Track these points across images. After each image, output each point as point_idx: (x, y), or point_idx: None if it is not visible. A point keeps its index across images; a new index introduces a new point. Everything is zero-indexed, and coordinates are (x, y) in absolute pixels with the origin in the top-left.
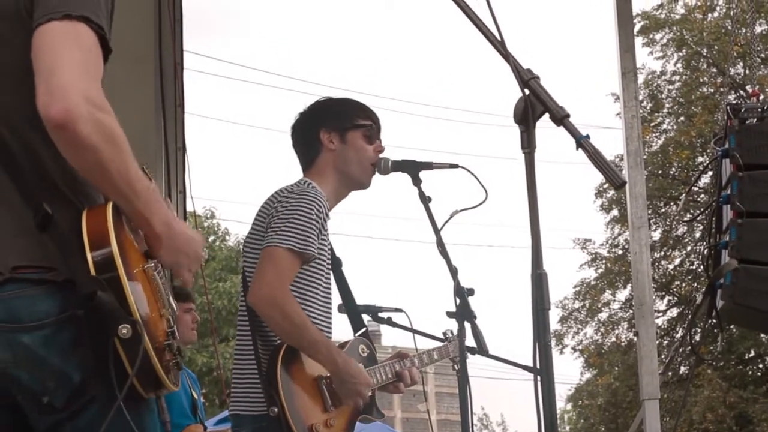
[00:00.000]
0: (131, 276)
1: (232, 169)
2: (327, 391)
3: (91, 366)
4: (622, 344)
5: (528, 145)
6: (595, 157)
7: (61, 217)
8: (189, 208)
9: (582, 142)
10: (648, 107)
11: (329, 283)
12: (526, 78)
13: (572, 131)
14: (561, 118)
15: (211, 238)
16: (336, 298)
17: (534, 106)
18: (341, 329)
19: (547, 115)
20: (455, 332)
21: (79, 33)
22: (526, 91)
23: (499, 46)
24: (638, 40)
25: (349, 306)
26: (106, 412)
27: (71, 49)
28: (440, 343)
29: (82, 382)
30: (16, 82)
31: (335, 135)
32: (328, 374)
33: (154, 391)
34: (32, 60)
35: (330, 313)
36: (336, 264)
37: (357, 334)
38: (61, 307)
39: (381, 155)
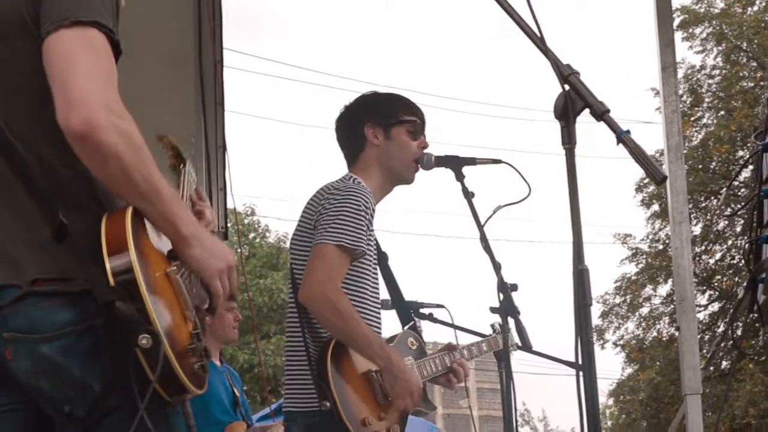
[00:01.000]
0: (151, 282)
1: (272, 166)
2: (378, 385)
3: (111, 375)
4: (664, 339)
5: (568, 140)
6: (636, 153)
7: (79, 225)
8: (230, 205)
9: (623, 137)
10: (688, 102)
11: (377, 279)
12: (566, 74)
13: (613, 126)
14: (601, 114)
15: (252, 235)
16: (382, 294)
17: (574, 101)
18: (386, 325)
19: (587, 111)
20: (500, 326)
21: (90, 39)
22: (566, 87)
23: (539, 42)
24: (678, 35)
25: (397, 300)
26: (130, 420)
27: (85, 57)
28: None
29: (103, 391)
30: (26, 93)
31: (380, 130)
32: (378, 368)
33: (178, 395)
34: (47, 71)
35: (379, 309)
36: (382, 258)
37: (405, 328)
38: (80, 316)
39: (425, 151)
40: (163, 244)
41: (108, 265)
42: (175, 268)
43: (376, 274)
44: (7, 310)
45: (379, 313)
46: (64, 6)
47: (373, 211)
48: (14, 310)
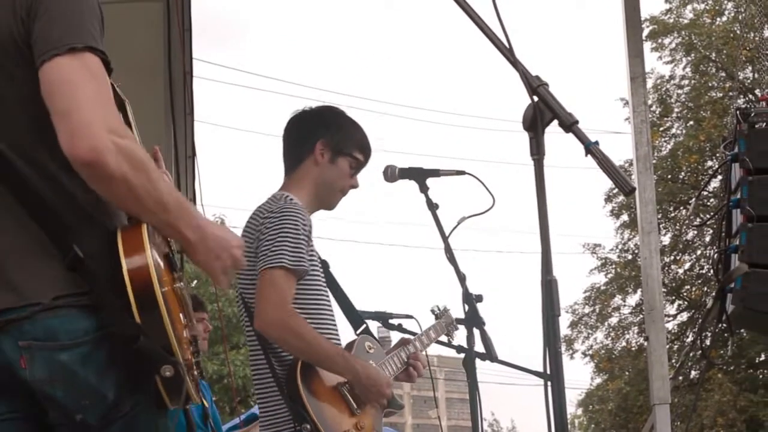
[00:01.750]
0: (165, 301)
1: (242, 176)
2: (350, 395)
3: (124, 383)
4: (633, 349)
5: (537, 151)
6: (605, 164)
7: (91, 243)
8: None
9: (591, 148)
10: (657, 112)
11: (328, 292)
12: (534, 85)
13: (581, 138)
14: (570, 125)
15: None
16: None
17: (543, 112)
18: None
19: (556, 122)
20: (441, 307)
21: (86, 64)
22: (535, 98)
23: (508, 53)
24: (647, 45)
25: (344, 305)
26: (133, 424)
27: (84, 84)
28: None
29: (116, 400)
30: (25, 115)
31: (328, 151)
32: (345, 380)
33: (181, 405)
34: (46, 99)
35: (335, 321)
36: (324, 266)
37: (358, 332)
38: (97, 323)
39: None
40: (160, 249)
41: (133, 304)
42: (182, 284)
43: (326, 286)
44: (26, 321)
45: (335, 326)
46: (56, 32)
47: (311, 227)
48: (32, 320)
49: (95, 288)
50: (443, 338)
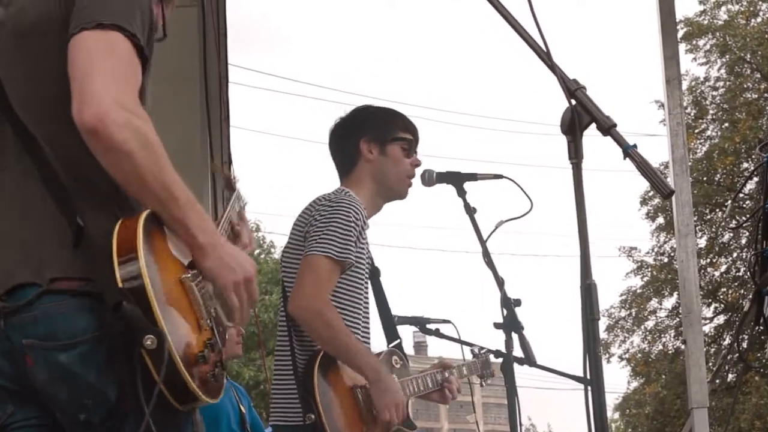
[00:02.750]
0: (164, 287)
1: (277, 181)
2: (363, 401)
3: (126, 382)
4: (669, 352)
5: (575, 155)
6: (643, 167)
7: (98, 229)
8: None
9: (629, 151)
10: (692, 114)
11: (368, 293)
12: (572, 88)
13: (619, 141)
14: (608, 128)
15: (257, 251)
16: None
17: (581, 116)
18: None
19: (593, 125)
20: (482, 350)
21: (111, 41)
22: (573, 102)
23: (545, 57)
24: (681, 47)
25: (385, 317)
26: (140, 426)
27: (104, 57)
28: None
29: (118, 399)
30: (56, 93)
31: (375, 146)
32: (364, 384)
33: (188, 402)
34: (69, 70)
35: (369, 323)
36: (374, 274)
37: (390, 346)
38: (97, 323)
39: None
40: (185, 254)
41: (116, 267)
42: (190, 275)
43: (368, 288)
44: (26, 315)
45: (368, 327)
46: (90, 10)
47: (365, 223)
48: (32, 315)
49: (93, 259)
50: (475, 379)
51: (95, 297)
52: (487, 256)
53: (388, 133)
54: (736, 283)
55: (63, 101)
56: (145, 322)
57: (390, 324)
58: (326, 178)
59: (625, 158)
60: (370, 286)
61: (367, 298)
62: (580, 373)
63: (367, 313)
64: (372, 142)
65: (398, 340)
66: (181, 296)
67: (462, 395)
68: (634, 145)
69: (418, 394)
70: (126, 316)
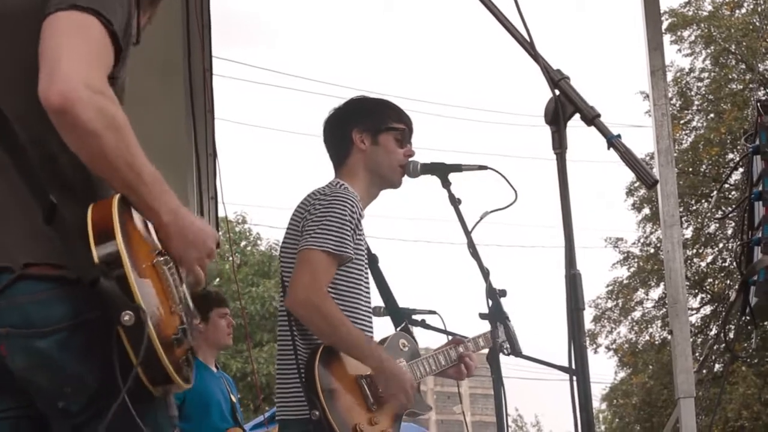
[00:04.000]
0: (139, 270)
1: (263, 173)
2: (368, 389)
3: (106, 369)
4: (656, 343)
5: (559, 145)
6: (627, 157)
7: (71, 213)
8: (221, 213)
9: (613, 141)
10: (677, 105)
11: (368, 284)
12: (556, 78)
13: (603, 131)
14: (592, 118)
15: (243, 243)
16: (376, 300)
17: (564, 106)
18: (380, 330)
19: (577, 115)
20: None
21: (85, 24)
22: (557, 92)
23: (529, 47)
24: (666, 38)
25: (389, 302)
26: (120, 418)
27: (75, 39)
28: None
29: (99, 387)
30: (27, 75)
31: (367, 136)
32: (368, 372)
33: (162, 385)
34: (39, 49)
35: (371, 315)
36: (372, 261)
37: (398, 329)
38: (75, 310)
39: (410, 159)
40: (152, 238)
41: (93, 245)
42: (162, 259)
43: (368, 279)
44: (2, 302)
45: (371, 319)
46: None
47: (361, 215)
48: (7, 303)
49: (66, 240)
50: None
51: (71, 283)
52: (472, 246)
53: (380, 123)
54: (722, 274)
55: (33, 82)
56: (123, 297)
57: (395, 308)
58: (312, 170)
59: (609, 148)
60: (370, 273)
61: (367, 288)
62: (566, 364)
63: (370, 305)
64: (364, 132)
65: (404, 323)
66: (154, 279)
67: (449, 386)
68: (618, 135)
69: (431, 374)
70: (103, 291)
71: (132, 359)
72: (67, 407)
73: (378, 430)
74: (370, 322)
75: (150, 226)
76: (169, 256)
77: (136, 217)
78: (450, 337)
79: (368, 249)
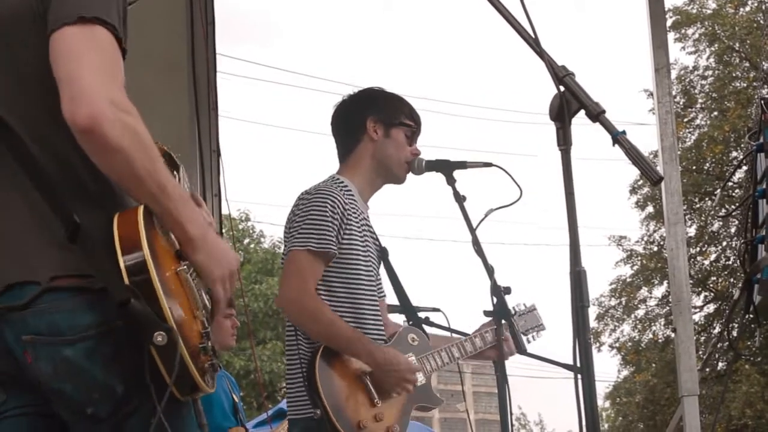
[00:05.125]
0: (164, 280)
1: (267, 171)
2: (371, 385)
3: (133, 376)
4: (660, 341)
5: (564, 141)
6: (633, 153)
7: (93, 225)
8: (224, 211)
9: (619, 138)
10: (681, 103)
11: (373, 278)
12: (561, 75)
13: (608, 127)
14: (597, 115)
15: (246, 240)
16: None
17: (569, 102)
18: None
19: (582, 112)
20: (531, 305)
21: (95, 35)
22: (562, 88)
23: (534, 44)
24: (670, 36)
25: (400, 296)
26: (148, 421)
27: (90, 53)
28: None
29: (126, 393)
30: (40, 89)
31: (380, 126)
32: (370, 369)
33: (190, 394)
34: (53, 67)
35: (377, 311)
36: (383, 254)
37: (407, 323)
38: (101, 318)
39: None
40: (171, 243)
41: (122, 264)
42: (185, 267)
43: (371, 273)
44: (28, 312)
45: (377, 316)
46: (69, 3)
47: (345, 209)
48: (34, 312)
49: (92, 255)
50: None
51: (96, 293)
52: (476, 244)
53: (395, 116)
54: (725, 272)
55: (46, 98)
56: (154, 317)
57: (406, 302)
58: (316, 168)
59: (614, 145)
60: (383, 267)
61: (371, 283)
62: (570, 361)
63: (376, 301)
64: (378, 122)
65: (417, 318)
66: (178, 288)
67: (452, 384)
68: (623, 132)
69: (444, 366)
70: (135, 313)
71: (165, 377)
72: (96, 412)
73: (383, 426)
74: (376, 319)
75: (169, 234)
76: (191, 265)
77: (157, 224)
78: (453, 336)
79: (377, 242)
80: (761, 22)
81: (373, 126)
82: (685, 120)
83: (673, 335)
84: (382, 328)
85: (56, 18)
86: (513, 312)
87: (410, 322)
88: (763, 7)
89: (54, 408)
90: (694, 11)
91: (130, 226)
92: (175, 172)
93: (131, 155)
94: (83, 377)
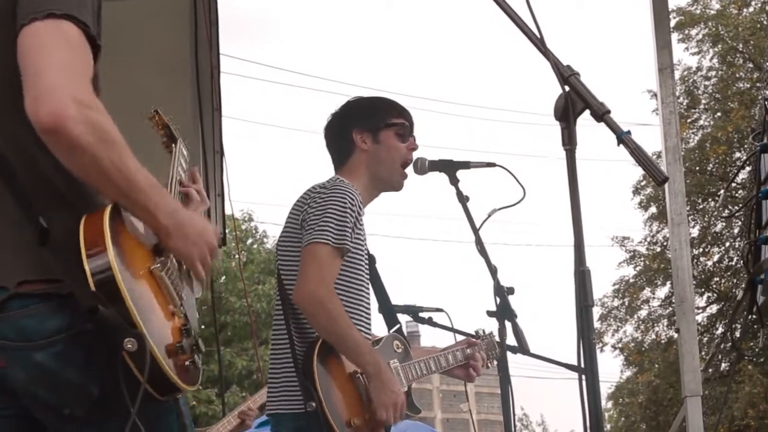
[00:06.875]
0: (134, 281)
1: (270, 171)
2: (364, 387)
3: (107, 376)
4: (662, 342)
5: (569, 141)
6: (637, 153)
7: (63, 227)
8: (227, 211)
9: (623, 138)
10: (684, 103)
11: (368, 281)
12: (566, 74)
13: (613, 127)
14: (602, 115)
15: (249, 241)
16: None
17: (574, 102)
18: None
19: (587, 111)
20: (487, 331)
21: (63, 31)
22: (566, 88)
23: (539, 43)
24: (674, 36)
25: (383, 303)
26: (127, 422)
27: (57, 50)
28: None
29: (102, 393)
30: (8, 88)
31: (368, 135)
32: None
33: (170, 394)
34: (19, 62)
35: (370, 311)
36: (370, 261)
37: (392, 331)
38: (69, 322)
39: (417, 154)
40: (149, 238)
41: (87, 269)
42: (159, 265)
43: (367, 274)
44: None
45: (369, 316)
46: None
47: (361, 209)
48: (2, 318)
49: (61, 259)
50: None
51: (65, 297)
52: (479, 244)
53: (379, 120)
54: (728, 273)
55: (14, 96)
56: (123, 323)
57: (389, 310)
58: (319, 168)
59: (619, 145)
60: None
61: (368, 286)
62: (574, 362)
63: (369, 302)
64: (364, 132)
65: (398, 325)
66: (153, 286)
67: (455, 385)
68: (628, 132)
69: (423, 377)
70: (103, 319)
71: (139, 377)
72: (74, 413)
73: (371, 426)
74: (369, 321)
75: (146, 227)
76: (170, 253)
77: (133, 222)
78: (456, 336)
79: (366, 248)
80: (765, 22)
81: (360, 137)
82: (689, 121)
83: (676, 336)
84: (370, 332)
85: (26, 13)
86: (481, 334)
87: (392, 329)
88: (767, 8)
89: (32, 411)
90: (698, 12)
91: (95, 228)
92: (173, 145)
93: (97, 153)
94: (56, 380)
